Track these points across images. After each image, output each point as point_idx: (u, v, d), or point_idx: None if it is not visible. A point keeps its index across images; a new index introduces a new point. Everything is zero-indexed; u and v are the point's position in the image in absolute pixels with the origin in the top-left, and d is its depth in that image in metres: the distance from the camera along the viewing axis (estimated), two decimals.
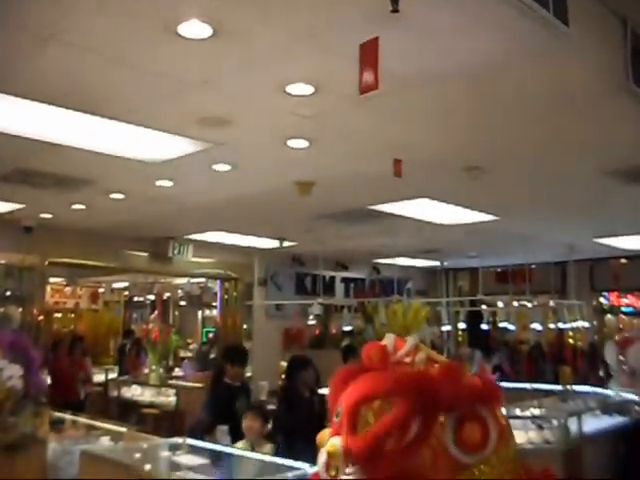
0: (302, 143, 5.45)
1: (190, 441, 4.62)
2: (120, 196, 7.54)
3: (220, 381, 6.35)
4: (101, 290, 16.46)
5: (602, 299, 14.23)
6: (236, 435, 5.07)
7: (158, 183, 6.88)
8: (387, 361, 1.88)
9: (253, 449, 4.76)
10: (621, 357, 7.59)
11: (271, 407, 6.59)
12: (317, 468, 1.82)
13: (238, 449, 4.65)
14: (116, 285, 16.69)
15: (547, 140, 5.46)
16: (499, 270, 14.13)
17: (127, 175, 6.64)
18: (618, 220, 9.03)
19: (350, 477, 1.69)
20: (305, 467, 3.46)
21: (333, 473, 1.74)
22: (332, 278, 13.49)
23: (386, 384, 1.77)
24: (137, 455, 4.49)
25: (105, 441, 5.19)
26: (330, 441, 1.77)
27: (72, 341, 10.13)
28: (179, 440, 4.69)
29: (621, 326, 13.82)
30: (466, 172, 6.28)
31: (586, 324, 12.23)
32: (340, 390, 1.86)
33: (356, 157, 5.92)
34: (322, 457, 1.79)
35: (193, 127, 5.04)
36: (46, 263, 9.58)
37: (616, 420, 6.81)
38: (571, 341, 11.97)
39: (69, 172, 6.55)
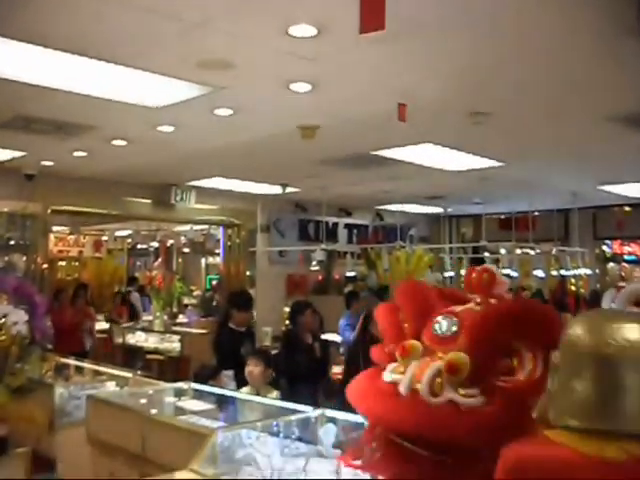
0: (305, 87, 5.36)
1: (195, 386, 4.67)
2: (122, 142, 7.47)
3: (225, 327, 6.39)
4: (104, 238, 16.52)
5: (605, 247, 14.23)
6: (242, 380, 5.11)
7: (159, 129, 6.81)
8: (492, 289, 1.83)
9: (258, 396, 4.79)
10: (613, 304, 7.81)
11: (274, 352, 6.67)
12: (401, 381, 1.65)
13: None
14: (119, 233, 16.73)
15: (552, 85, 5.36)
16: (502, 217, 14.10)
17: (128, 121, 6.57)
18: (622, 167, 8.95)
19: (468, 400, 1.56)
20: (308, 410, 3.50)
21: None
22: (335, 224, 13.46)
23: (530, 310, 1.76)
24: (142, 400, 4.55)
25: (111, 386, 5.27)
26: (456, 353, 1.61)
27: (76, 289, 10.02)
28: (184, 385, 4.75)
29: (623, 274, 13.85)
30: (470, 117, 6.21)
31: (588, 272, 12.26)
32: (406, 304, 1.81)
33: (360, 101, 5.84)
34: (427, 369, 1.62)
35: (194, 70, 4.95)
36: (49, 211, 9.56)
37: None
38: (573, 288, 12.01)
39: (70, 118, 6.48)
